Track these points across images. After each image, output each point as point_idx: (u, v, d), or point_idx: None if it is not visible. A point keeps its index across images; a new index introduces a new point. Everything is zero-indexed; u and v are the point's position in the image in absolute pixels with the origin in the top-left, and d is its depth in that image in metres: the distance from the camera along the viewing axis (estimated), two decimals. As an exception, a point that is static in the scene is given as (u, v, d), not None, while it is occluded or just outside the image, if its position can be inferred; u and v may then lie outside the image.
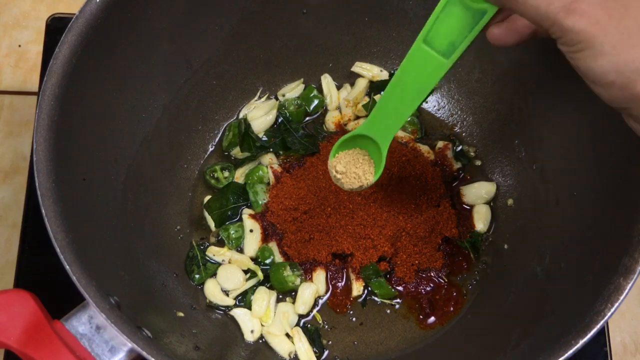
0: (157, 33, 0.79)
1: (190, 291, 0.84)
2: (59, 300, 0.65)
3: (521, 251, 0.84)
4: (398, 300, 0.85)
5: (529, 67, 0.84)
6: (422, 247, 0.84)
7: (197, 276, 0.84)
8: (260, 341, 0.83)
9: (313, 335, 0.82)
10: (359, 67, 0.93)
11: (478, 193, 0.89)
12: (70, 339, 0.63)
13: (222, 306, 0.84)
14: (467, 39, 0.58)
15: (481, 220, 0.88)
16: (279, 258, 0.85)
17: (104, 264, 0.71)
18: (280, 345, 0.81)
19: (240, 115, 0.92)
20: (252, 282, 0.85)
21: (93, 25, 0.70)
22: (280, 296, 0.85)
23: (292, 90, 0.93)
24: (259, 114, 0.91)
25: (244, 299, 0.84)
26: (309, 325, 0.83)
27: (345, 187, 0.72)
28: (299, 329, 0.82)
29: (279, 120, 0.92)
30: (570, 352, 0.62)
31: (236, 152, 0.91)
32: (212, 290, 0.84)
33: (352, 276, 0.84)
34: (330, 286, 0.85)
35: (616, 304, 0.63)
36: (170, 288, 0.82)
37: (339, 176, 0.72)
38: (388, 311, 0.85)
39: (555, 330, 0.67)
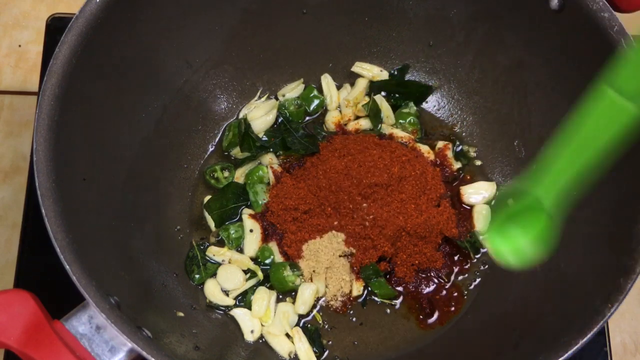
0: (157, 33, 0.79)
1: (190, 291, 0.84)
2: (59, 300, 0.65)
3: (521, 251, 0.84)
4: (398, 300, 0.85)
5: (529, 67, 0.84)
6: (422, 247, 0.84)
7: (197, 276, 0.84)
8: (260, 341, 0.83)
9: (313, 335, 0.82)
10: (359, 68, 0.93)
11: (478, 193, 0.89)
12: (70, 339, 0.63)
13: (222, 306, 0.84)
14: None
15: (481, 220, 0.88)
16: (279, 258, 0.85)
17: (104, 264, 0.71)
18: (280, 345, 0.81)
19: (240, 115, 0.92)
20: (252, 282, 0.85)
21: (93, 25, 0.70)
22: (280, 296, 0.85)
23: (292, 90, 0.93)
24: (259, 114, 0.91)
25: (244, 299, 0.84)
26: (309, 325, 0.83)
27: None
28: (299, 329, 0.82)
29: (279, 120, 0.92)
30: (570, 352, 0.62)
31: (236, 152, 0.91)
32: (212, 290, 0.84)
33: (352, 276, 0.84)
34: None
35: (616, 304, 0.63)
36: (170, 288, 0.82)
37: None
38: (388, 311, 0.85)
39: (555, 330, 0.67)
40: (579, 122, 0.52)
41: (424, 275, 0.85)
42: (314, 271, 0.84)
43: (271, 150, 0.90)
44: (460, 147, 0.92)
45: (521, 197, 0.55)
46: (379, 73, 0.93)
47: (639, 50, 0.49)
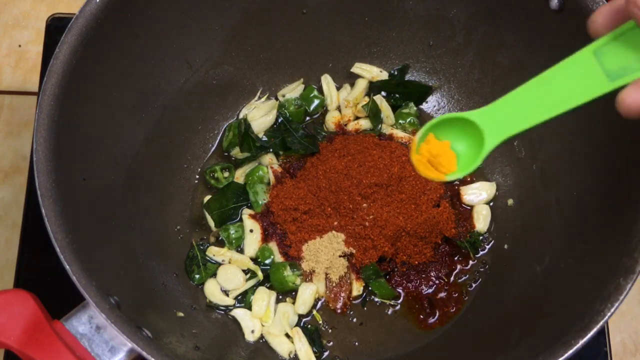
0: (157, 33, 0.79)
1: (190, 291, 0.84)
2: (59, 300, 0.65)
3: (521, 251, 0.84)
4: (398, 300, 0.85)
5: (529, 67, 0.84)
6: (422, 247, 0.84)
7: (197, 276, 0.84)
8: (261, 341, 0.83)
9: (313, 335, 0.82)
10: (358, 68, 0.93)
11: (478, 193, 0.89)
12: (70, 339, 0.63)
13: (222, 306, 0.84)
14: None
15: (481, 220, 0.88)
16: (279, 258, 0.85)
17: (104, 264, 0.71)
18: (280, 346, 0.81)
19: (240, 115, 0.92)
20: (252, 282, 0.85)
21: (93, 25, 0.70)
22: (280, 296, 0.85)
23: (292, 91, 0.93)
24: (259, 114, 0.91)
25: (244, 299, 0.84)
26: (309, 326, 0.83)
27: (422, 173, 0.62)
28: (298, 329, 0.82)
29: (279, 121, 0.92)
30: (570, 352, 0.62)
31: (236, 152, 0.91)
32: (212, 290, 0.84)
33: (352, 276, 0.84)
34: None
35: (616, 304, 0.63)
36: (170, 288, 0.82)
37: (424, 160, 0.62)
38: (388, 311, 0.85)
39: (555, 330, 0.67)
40: (552, 73, 0.54)
41: (424, 275, 0.85)
42: (314, 271, 0.84)
43: (271, 150, 0.90)
44: (460, 147, 0.91)
45: (466, 121, 0.57)
46: (378, 74, 0.93)
47: (630, 35, 0.51)
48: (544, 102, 0.55)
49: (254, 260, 0.86)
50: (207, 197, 0.88)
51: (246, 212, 0.87)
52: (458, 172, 0.60)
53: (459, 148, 0.60)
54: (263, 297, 0.83)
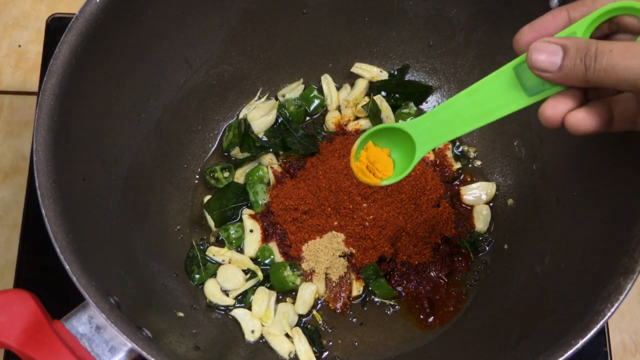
0: (157, 33, 0.79)
1: (190, 291, 0.84)
2: (59, 300, 0.65)
3: (521, 251, 0.84)
4: (398, 300, 0.85)
5: (529, 67, 0.84)
6: (422, 247, 0.84)
7: (197, 276, 0.84)
8: (261, 341, 0.83)
9: (313, 335, 0.82)
10: (358, 68, 0.93)
11: (478, 193, 0.89)
12: (70, 339, 0.63)
13: (222, 306, 0.84)
14: (558, 87, 0.55)
15: (481, 220, 0.88)
16: (279, 258, 0.85)
17: (104, 264, 0.71)
18: (280, 346, 0.81)
19: (240, 116, 0.92)
20: (252, 282, 0.85)
21: (93, 25, 0.70)
22: (280, 296, 0.85)
23: (292, 91, 0.93)
24: (259, 114, 0.91)
25: (244, 299, 0.84)
26: (309, 326, 0.83)
27: (360, 178, 0.66)
28: (298, 329, 0.82)
29: (279, 121, 0.92)
30: (570, 352, 0.62)
31: (236, 152, 0.91)
32: (212, 290, 0.84)
33: (352, 276, 0.84)
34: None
35: (616, 304, 0.63)
36: (170, 288, 0.82)
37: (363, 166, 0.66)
38: (388, 311, 0.85)
39: (555, 330, 0.67)
40: (477, 87, 0.57)
41: (424, 275, 0.85)
42: (314, 271, 0.84)
43: (271, 150, 0.90)
44: (460, 147, 0.92)
45: (400, 131, 0.62)
46: (378, 74, 0.93)
47: None
48: (469, 115, 0.58)
49: (254, 260, 0.86)
50: (207, 197, 0.88)
51: (246, 212, 0.87)
52: (392, 178, 0.64)
53: (395, 155, 0.64)
54: (263, 297, 0.83)
